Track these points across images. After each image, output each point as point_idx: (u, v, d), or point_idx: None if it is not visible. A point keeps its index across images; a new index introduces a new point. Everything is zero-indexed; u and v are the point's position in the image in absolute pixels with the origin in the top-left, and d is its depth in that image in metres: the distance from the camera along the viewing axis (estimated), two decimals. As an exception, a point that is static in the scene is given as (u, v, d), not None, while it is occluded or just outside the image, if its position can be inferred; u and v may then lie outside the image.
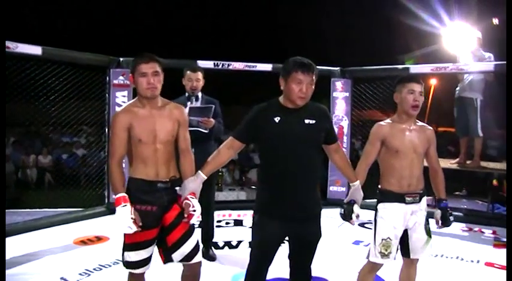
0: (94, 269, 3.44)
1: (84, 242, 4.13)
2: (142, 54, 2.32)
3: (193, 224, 2.38)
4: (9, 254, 3.62)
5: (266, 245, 2.34)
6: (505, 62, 4.86)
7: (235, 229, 4.74)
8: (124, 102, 5.11)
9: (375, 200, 2.66)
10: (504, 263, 3.72)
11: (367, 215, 4.87)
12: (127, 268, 2.36)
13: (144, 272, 2.39)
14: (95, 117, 5.94)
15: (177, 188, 2.35)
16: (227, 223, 4.91)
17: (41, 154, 10.04)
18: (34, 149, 10.48)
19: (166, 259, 2.36)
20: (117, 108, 5.03)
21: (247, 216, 5.19)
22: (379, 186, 2.65)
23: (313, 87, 2.29)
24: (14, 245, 3.88)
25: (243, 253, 3.92)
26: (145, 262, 2.33)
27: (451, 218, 2.65)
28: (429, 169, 2.71)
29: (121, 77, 5.09)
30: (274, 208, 2.28)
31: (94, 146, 10.21)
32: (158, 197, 2.29)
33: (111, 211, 5.18)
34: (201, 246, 3.46)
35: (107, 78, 5.11)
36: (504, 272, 3.59)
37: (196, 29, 18.39)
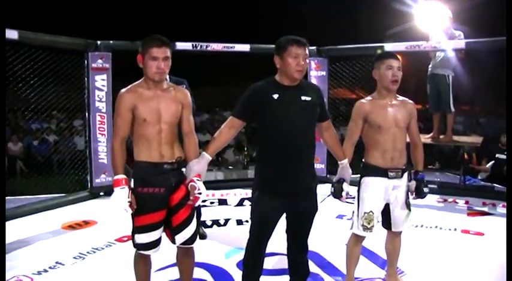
0: (88, 252, 3.46)
1: (72, 227, 4.14)
2: (155, 37, 2.29)
3: (195, 208, 2.42)
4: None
5: (266, 221, 2.44)
6: (476, 40, 5.10)
7: (221, 208, 4.84)
8: (103, 85, 5.07)
9: (357, 175, 2.77)
10: (479, 230, 4.00)
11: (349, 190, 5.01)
12: (138, 249, 2.40)
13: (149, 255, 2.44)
14: (67, 102, 5.85)
15: (183, 169, 2.38)
16: (212, 203, 4.99)
17: (11, 141, 9.75)
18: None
19: (171, 239, 2.41)
20: (97, 92, 5.05)
21: (229, 195, 5.31)
22: (363, 160, 2.77)
23: (307, 62, 2.38)
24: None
25: (232, 231, 4.07)
26: (156, 243, 2.37)
27: (426, 189, 2.78)
28: (410, 142, 2.84)
29: (100, 61, 5.01)
30: (274, 184, 2.37)
31: (66, 132, 10.09)
32: (165, 178, 2.31)
33: (94, 195, 5.18)
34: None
35: (85, 62, 5.02)
36: (478, 237, 3.86)
37: (172, 10, 18.05)
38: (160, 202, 2.31)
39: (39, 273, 3.07)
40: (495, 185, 5.76)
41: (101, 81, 5.03)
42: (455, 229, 4.04)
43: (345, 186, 2.62)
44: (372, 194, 2.69)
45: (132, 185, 2.31)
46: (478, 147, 6.01)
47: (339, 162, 2.64)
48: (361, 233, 2.73)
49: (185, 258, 2.50)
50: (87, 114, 5.10)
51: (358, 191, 2.75)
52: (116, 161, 2.30)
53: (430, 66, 5.46)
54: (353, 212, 2.80)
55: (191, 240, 2.41)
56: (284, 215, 2.48)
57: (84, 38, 5.04)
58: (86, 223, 4.22)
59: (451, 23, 5.24)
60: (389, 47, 5.53)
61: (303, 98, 2.37)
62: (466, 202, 4.95)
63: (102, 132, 5.07)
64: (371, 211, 2.70)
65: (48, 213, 4.57)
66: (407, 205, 2.77)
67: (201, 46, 5.47)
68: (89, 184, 5.20)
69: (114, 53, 5.12)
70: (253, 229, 2.49)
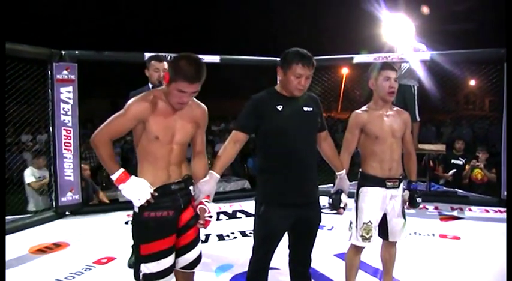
0: (66, 278, 3.21)
1: (42, 250, 3.83)
2: (190, 63, 2.01)
3: (199, 231, 2.27)
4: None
5: (274, 235, 2.38)
6: (440, 52, 5.35)
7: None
8: (69, 98, 4.79)
9: (353, 181, 2.77)
10: (455, 234, 4.14)
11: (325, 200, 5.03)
12: (147, 279, 2.12)
13: None
14: (12, 117, 5.48)
15: (191, 187, 2.22)
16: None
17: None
18: None
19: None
20: (62, 105, 4.76)
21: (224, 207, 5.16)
22: (361, 170, 2.78)
23: (310, 80, 2.35)
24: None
25: (215, 247, 3.94)
26: (169, 271, 2.15)
27: (419, 199, 2.82)
28: (404, 152, 2.89)
29: (65, 72, 4.73)
30: (280, 196, 2.33)
31: (13, 148, 9.46)
32: (174, 199, 2.12)
33: (60, 215, 4.86)
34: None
35: (49, 73, 4.72)
36: (456, 241, 3.99)
37: (138, 23, 17.68)
38: (171, 225, 2.12)
39: (16, 304, 2.81)
40: (457, 190, 6.02)
41: (67, 94, 4.75)
42: (433, 234, 4.16)
43: (343, 197, 2.59)
44: (370, 204, 2.70)
45: (136, 209, 2.10)
46: (440, 154, 6.27)
47: (336, 173, 2.62)
48: (360, 243, 2.73)
49: None
50: (51, 128, 4.79)
51: (356, 201, 2.76)
52: (108, 156, 2.05)
53: (395, 77, 5.63)
54: (350, 222, 2.79)
55: (194, 264, 2.26)
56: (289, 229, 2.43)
57: (47, 48, 4.74)
58: (57, 246, 3.93)
59: (415, 35, 5.46)
60: (358, 58, 5.67)
61: (305, 109, 2.37)
62: (436, 208, 5.13)
63: (68, 148, 4.78)
64: (369, 221, 2.71)
65: (11, 237, 4.19)
66: (403, 214, 2.80)
67: (170, 57, 5.31)
68: (54, 203, 4.87)
69: (79, 63, 4.86)
70: (261, 244, 2.42)
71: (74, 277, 3.23)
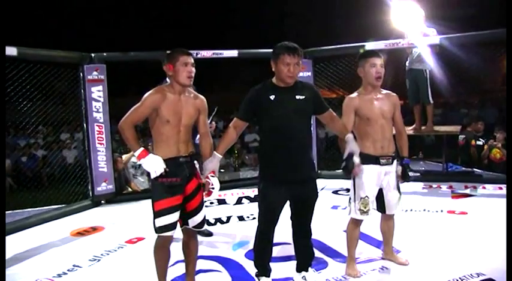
0: (101, 254, 3.64)
1: (81, 233, 4.30)
2: (180, 49, 2.64)
3: (203, 197, 2.72)
4: (12, 252, 3.78)
5: (273, 208, 2.69)
6: (448, 36, 5.46)
7: (221, 207, 5.06)
8: (100, 96, 5.24)
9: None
10: (463, 210, 4.32)
11: (339, 183, 5.36)
12: (160, 232, 2.64)
13: (171, 239, 2.69)
14: (51, 117, 6.00)
15: (195, 162, 2.68)
16: (211, 203, 5.20)
17: (-3, 159, 9.73)
18: (-11, 155, 10.15)
19: (184, 222, 2.71)
20: (94, 103, 5.22)
21: (227, 195, 5.53)
22: None
23: (300, 67, 2.64)
24: (13, 243, 4.01)
25: (235, 226, 4.29)
26: (174, 226, 2.63)
27: (410, 173, 3.09)
28: (395, 131, 3.11)
29: (95, 72, 5.19)
30: (277, 174, 2.64)
31: (54, 146, 10.13)
32: (181, 169, 2.60)
33: (96, 203, 5.34)
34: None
35: (81, 75, 5.19)
36: (462, 216, 4.18)
37: (161, 21, 18.35)
38: (179, 188, 2.61)
39: (59, 276, 3.25)
40: (474, 169, 6.12)
41: (97, 93, 5.21)
42: (441, 211, 4.35)
43: (355, 159, 2.76)
44: (366, 180, 2.95)
45: (152, 177, 2.58)
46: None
47: (345, 138, 2.79)
48: (358, 216, 2.99)
49: (192, 240, 2.80)
50: (85, 125, 5.26)
51: (354, 178, 3.01)
52: (132, 138, 2.58)
53: (407, 62, 5.79)
54: (349, 198, 3.06)
55: (201, 224, 2.76)
56: (288, 203, 2.74)
57: (78, 52, 5.20)
58: (94, 229, 4.39)
59: (424, 20, 5.59)
60: (370, 45, 5.84)
61: (297, 97, 2.64)
62: (450, 187, 5.29)
63: (101, 142, 5.24)
64: (366, 196, 2.96)
65: (55, 223, 4.72)
66: (398, 189, 3.05)
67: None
68: (91, 193, 5.36)
69: (108, 64, 5.29)
70: (262, 216, 2.75)
71: (108, 254, 3.66)
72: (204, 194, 2.69)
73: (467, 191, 5.08)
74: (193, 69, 2.61)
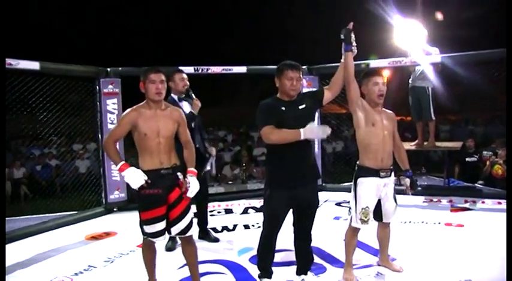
0: (115, 257, 3.88)
1: (95, 237, 4.54)
2: (151, 67, 2.93)
3: (190, 204, 2.95)
4: (31, 253, 4.04)
5: (277, 214, 2.92)
6: (450, 55, 5.67)
7: (228, 216, 5.27)
8: (114, 109, 5.53)
9: (349, 183, 3.25)
10: (460, 223, 4.48)
11: (342, 196, 5.57)
12: (147, 237, 2.91)
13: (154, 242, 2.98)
14: (65, 128, 6.30)
15: (178, 173, 2.91)
16: (219, 212, 5.42)
17: (14, 167, 10.05)
18: (6, 163, 10.48)
19: (168, 231, 2.92)
20: (109, 115, 5.51)
21: (234, 205, 5.74)
22: (358, 163, 3.24)
23: (301, 82, 2.93)
24: (32, 245, 4.29)
25: (240, 234, 4.50)
26: (160, 233, 2.89)
27: (418, 182, 3.35)
28: (394, 145, 3.29)
29: (110, 86, 5.48)
30: (283, 179, 2.87)
31: (68, 156, 10.45)
32: (163, 181, 2.83)
33: (108, 210, 5.59)
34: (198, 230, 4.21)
35: (97, 88, 5.48)
36: (459, 228, 4.34)
37: (172, 39, 19.03)
38: (160, 199, 2.83)
39: (76, 274, 3.49)
40: (476, 185, 6.27)
41: (112, 105, 5.49)
42: (439, 223, 4.52)
43: (352, 34, 2.97)
44: (367, 192, 3.14)
45: (136, 189, 2.83)
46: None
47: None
48: (359, 226, 3.18)
49: (187, 245, 3.00)
50: (99, 136, 5.53)
51: (355, 190, 3.20)
52: (114, 153, 2.85)
53: (410, 80, 6.01)
54: (349, 209, 3.26)
55: (187, 229, 2.92)
56: (291, 210, 2.96)
57: (95, 66, 5.51)
58: (107, 234, 4.62)
59: (427, 40, 5.82)
60: (374, 63, 6.08)
61: (300, 107, 2.91)
62: (450, 201, 5.44)
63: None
64: (367, 206, 3.15)
65: (70, 227, 4.97)
66: (395, 199, 3.25)
67: (201, 69, 5.96)
68: (104, 200, 5.61)
69: (122, 78, 5.59)
70: (267, 221, 2.97)
71: (121, 256, 3.89)
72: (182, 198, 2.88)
73: (467, 205, 5.23)
74: (162, 86, 2.83)
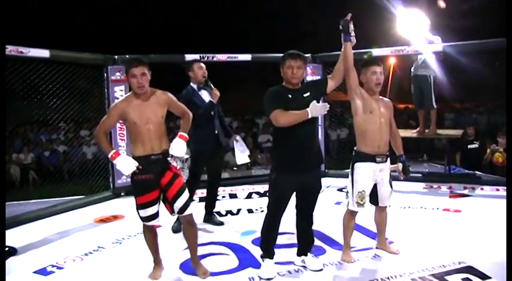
0: (123, 238, 4.04)
1: (103, 220, 4.70)
2: (133, 59, 2.99)
3: (184, 184, 3.04)
4: (43, 234, 4.22)
5: (282, 197, 3.07)
6: (452, 44, 5.72)
7: (232, 200, 5.42)
8: (122, 95, 5.62)
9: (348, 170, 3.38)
10: (458, 208, 4.60)
11: (345, 182, 5.69)
12: (142, 221, 3.08)
13: (154, 225, 3.13)
14: (71, 114, 6.45)
15: (168, 158, 3.00)
16: (223, 197, 5.56)
17: (22, 153, 10.25)
18: (14, 149, 10.69)
19: (172, 209, 3.02)
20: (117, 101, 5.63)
21: (238, 190, 5.87)
22: (355, 148, 3.35)
23: (303, 70, 3.03)
24: (44, 227, 4.47)
25: (244, 218, 4.64)
26: (154, 216, 3.03)
27: (410, 168, 3.46)
28: (390, 133, 3.37)
29: (118, 73, 5.59)
30: (288, 164, 2.99)
31: (75, 143, 10.63)
32: (153, 167, 2.94)
33: (116, 195, 5.75)
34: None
35: (105, 75, 5.60)
36: (456, 214, 4.46)
37: (179, 27, 19.15)
38: (152, 184, 2.95)
39: (86, 255, 3.66)
40: (476, 172, 6.36)
41: (119, 92, 5.61)
42: (437, 208, 4.64)
43: (351, 24, 3.07)
44: (363, 176, 3.27)
45: (125, 175, 2.99)
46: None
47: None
48: (355, 209, 3.32)
49: (188, 226, 3.11)
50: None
51: (352, 174, 3.33)
52: (104, 144, 2.99)
53: (412, 68, 6.08)
54: (347, 192, 3.39)
55: (183, 209, 3.00)
56: (295, 193, 3.11)
57: (102, 54, 5.63)
58: (115, 217, 4.78)
59: (429, 29, 5.87)
60: (376, 51, 6.15)
61: (305, 95, 3.02)
62: (449, 187, 5.55)
63: (122, 138, 5.64)
64: (363, 190, 3.28)
65: (79, 211, 5.13)
66: (390, 184, 3.37)
67: (207, 57, 6.05)
68: (112, 185, 5.76)
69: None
70: (272, 204, 3.12)
71: (129, 238, 4.05)
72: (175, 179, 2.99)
73: (466, 191, 5.34)
74: (144, 78, 2.87)
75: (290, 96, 2.98)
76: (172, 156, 3.01)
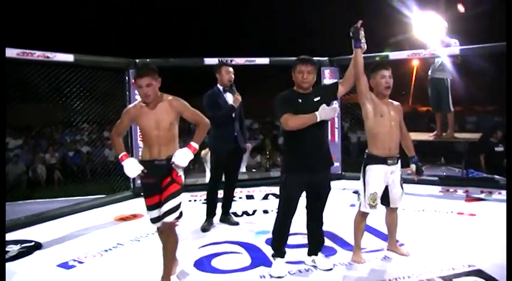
0: (141, 236, 4.18)
1: (123, 219, 4.88)
2: (139, 68, 3.00)
3: (179, 191, 2.97)
4: (66, 231, 4.42)
5: (292, 197, 3.17)
6: (469, 47, 5.70)
7: (249, 201, 5.54)
8: (142, 98, 5.82)
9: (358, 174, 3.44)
10: (472, 212, 4.59)
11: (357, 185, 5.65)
12: (150, 222, 3.12)
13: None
14: (94, 116, 6.66)
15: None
16: (240, 198, 5.67)
17: (48, 153, 10.57)
18: (41, 149, 11.05)
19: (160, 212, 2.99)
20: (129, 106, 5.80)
21: (255, 191, 5.98)
22: (366, 151, 3.42)
23: (313, 75, 3.12)
24: (67, 224, 4.68)
25: (259, 218, 4.74)
26: (155, 220, 3.06)
27: (423, 168, 3.52)
28: (401, 134, 3.41)
29: (138, 77, 5.77)
30: (299, 164, 3.09)
31: (98, 143, 10.92)
32: (156, 171, 2.95)
33: (136, 194, 5.92)
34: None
35: (126, 78, 5.79)
36: (470, 217, 4.46)
37: (199, 30, 19.54)
38: (154, 188, 2.98)
39: (105, 251, 3.82)
40: (495, 176, 6.31)
41: (140, 95, 5.78)
42: (451, 212, 4.65)
43: (361, 31, 3.13)
44: (375, 178, 3.33)
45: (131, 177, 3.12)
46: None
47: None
48: (368, 210, 3.37)
49: (166, 235, 3.06)
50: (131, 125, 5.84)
51: (364, 176, 3.39)
52: (116, 146, 3.10)
53: (429, 71, 6.08)
54: (358, 194, 3.46)
55: (168, 212, 2.94)
56: (305, 194, 3.20)
57: (125, 58, 5.82)
58: (135, 216, 4.95)
59: (446, 32, 5.87)
60: (393, 55, 6.17)
61: (315, 99, 3.11)
62: (466, 191, 5.53)
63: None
64: (375, 192, 3.34)
65: (101, 209, 5.33)
66: (401, 186, 3.42)
67: (226, 60, 6.16)
68: (132, 185, 5.95)
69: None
70: (283, 204, 3.23)
71: (147, 236, 4.19)
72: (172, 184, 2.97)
73: (482, 195, 5.31)
74: (149, 89, 2.86)
75: (300, 100, 3.08)
76: (173, 163, 2.95)
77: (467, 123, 12.94)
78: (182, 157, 2.94)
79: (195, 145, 3.01)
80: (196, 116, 3.10)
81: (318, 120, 2.98)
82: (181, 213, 3.01)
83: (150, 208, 3.05)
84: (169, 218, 2.96)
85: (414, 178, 3.51)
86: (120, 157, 3.03)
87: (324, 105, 3.00)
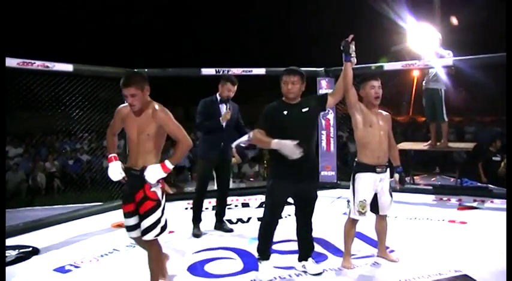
0: (137, 242, 4.26)
1: (120, 225, 4.86)
2: (125, 79, 2.83)
3: (154, 207, 2.85)
4: (62, 237, 4.49)
5: (277, 203, 3.26)
6: (463, 58, 5.81)
7: (244, 209, 5.60)
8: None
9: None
10: (464, 220, 4.66)
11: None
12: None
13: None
14: (93, 124, 6.75)
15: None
16: (236, 206, 5.74)
17: (47, 161, 10.66)
18: (41, 157, 11.14)
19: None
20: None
21: (251, 200, 6.04)
22: (356, 159, 3.51)
23: (298, 85, 3.21)
24: (65, 230, 4.75)
25: (253, 226, 4.79)
26: (131, 228, 2.96)
27: (406, 179, 3.58)
28: (388, 144, 3.50)
29: (137, 86, 5.88)
30: (285, 173, 3.17)
31: (98, 152, 10.99)
32: (130, 181, 2.92)
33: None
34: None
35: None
36: (461, 225, 4.52)
37: (198, 41, 19.83)
38: (128, 197, 2.92)
39: (102, 256, 3.90)
40: (489, 185, 6.37)
41: (139, 104, 5.88)
42: (443, 220, 4.71)
43: (352, 44, 3.26)
44: (364, 186, 3.42)
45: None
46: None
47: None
48: (357, 217, 3.46)
49: (147, 245, 2.99)
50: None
51: (353, 184, 3.48)
52: (108, 144, 3.13)
53: (424, 81, 6.18)
54: (348, 201, 3.54)
55: (146, 230, 2.86)
56: (293, 201, 3.29)
57: (123, 67, 5.92)
58: (131, 222, 5.02)
59: (440, 43, 5.98)
60: (388, 66, 6.28)
61: (303, 110, 3.22)
62: (459, 199, 5.59)
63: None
64: (364, 199, 3.43)
65: (98, 216, 5.40)
66: (390, 194, 3.50)
67: (222, 71, 6.28)
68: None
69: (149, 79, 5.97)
70: (268, 209, 3.32)
71: (142, 242, 4.26)
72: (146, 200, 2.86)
73: (475, 204, 5.37)
74: (133, 99, 2.77)
75: (286, 112, 3.17)
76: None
77: (466, 133, 13.00)
78: (152, 173, 2.79)
79: (169, 165, 2.82)
80: (178, 133, 2.89)
81: (271, 147, 3.05)
82: (163, 228, 2.92)
83: (125, 215, 2.98)
84: (149, 237, 2.88)
85: (396, 186, 3.59)
86: (109, 157, 3.04)
87: (289, 141, 2.99)
